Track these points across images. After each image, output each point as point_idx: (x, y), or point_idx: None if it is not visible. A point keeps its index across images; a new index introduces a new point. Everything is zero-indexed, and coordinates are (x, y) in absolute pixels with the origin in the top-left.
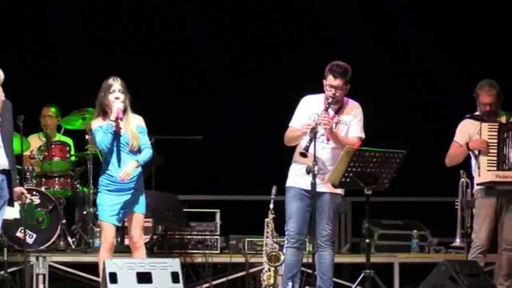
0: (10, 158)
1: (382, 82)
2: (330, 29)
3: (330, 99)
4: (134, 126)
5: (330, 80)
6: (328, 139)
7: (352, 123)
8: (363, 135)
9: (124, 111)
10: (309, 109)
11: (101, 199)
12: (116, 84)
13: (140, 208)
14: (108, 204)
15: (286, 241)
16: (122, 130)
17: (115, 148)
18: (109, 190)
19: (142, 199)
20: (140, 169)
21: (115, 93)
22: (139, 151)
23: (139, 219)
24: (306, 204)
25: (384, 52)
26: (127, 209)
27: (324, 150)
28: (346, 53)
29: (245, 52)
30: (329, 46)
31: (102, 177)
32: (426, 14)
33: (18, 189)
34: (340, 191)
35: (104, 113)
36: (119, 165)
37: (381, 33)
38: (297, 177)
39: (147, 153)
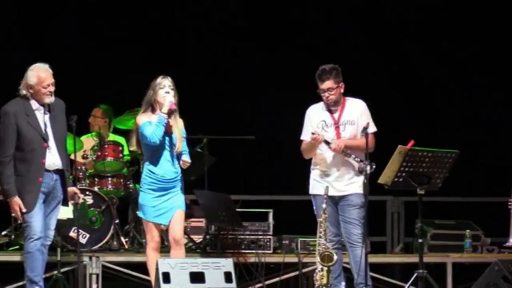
0: (63, 158)
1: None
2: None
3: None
4: (180, 129)
5: (320, 85)
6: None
7: (361, 121)
8: (375, 129)
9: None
10: (315, 118)
11: (144, 199)
12: (166, 80)
13: (182, 205)
14: (152, 205)
15: (331, 246)
16: (171, 129)
17: (164, 146)
18: (152, 190)
19: (183, 197)
20: (180, 169)
21: (165, 88)
22: (180, 155)
23: (180, 216)
24: (334, 208)
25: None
26: (171, 207)
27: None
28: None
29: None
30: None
31: (145, 175)
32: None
33: (71, 189)
34: (360, 190)
35: (152, 109)
36: (165, 164)
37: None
38: (318, 185)
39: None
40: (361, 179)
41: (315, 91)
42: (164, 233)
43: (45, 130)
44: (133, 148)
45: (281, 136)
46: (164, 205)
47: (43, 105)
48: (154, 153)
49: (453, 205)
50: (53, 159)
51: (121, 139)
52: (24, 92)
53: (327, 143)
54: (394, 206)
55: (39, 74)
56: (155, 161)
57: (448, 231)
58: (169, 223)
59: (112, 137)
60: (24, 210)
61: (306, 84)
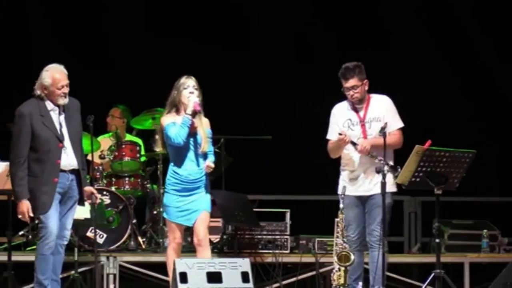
0: (79, 157)
1: (452, 82)
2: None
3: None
4: (205, 129)
5: (344, 83)
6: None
7: (388, 118)
8: (402, 124)
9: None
10: (340, 118)
11: (168, 200)
12: (190, 80)
13: (206, 206)
14: (175, 205)
15: (348, 246)
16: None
17: (188, 147)
18: (176, 190)
19: (208, 198)
20: (204, 170)
21: (189, 88)
22: (205, 154)
23: (205, 217)
24: (362, 210)
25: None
26: (196, 209)
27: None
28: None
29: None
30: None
31: (169, 175)
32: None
33: (88, 189)
34: (391, 188)
35: (177, 109)
36: (189, 165)
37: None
38: (347, 186)
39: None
40: (390, 179)
41: (334, 90)
42: (186, 233)
43: (61, 130)
44: (159, 149)
45: (299, 136)
46: (188, 207)
47: (58, 105)
48: (178, 153)
49: (470, 205)
50: (68, 159)
51: (138, 139)
52: (38, 92)
53: (354, 144)
54: (412, 206)
55: (54, 75)
56: (179, 162)
57: (465, 231)
58: (193, 225)
59: (129, 137)
60: (31, 214)
61: (326, 84)
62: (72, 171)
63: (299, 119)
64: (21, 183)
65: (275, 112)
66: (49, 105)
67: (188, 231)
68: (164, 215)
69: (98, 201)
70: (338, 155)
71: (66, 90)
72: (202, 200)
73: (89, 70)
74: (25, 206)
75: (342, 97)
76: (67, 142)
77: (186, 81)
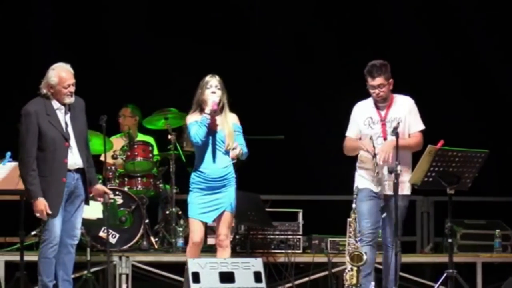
0: (84, 156)
1: (462, 82)
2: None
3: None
4: (231, 125)
5: (370, 81)
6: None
7: (410, 119)
8: (423, 127)
9: (222, 108)
10: (362, 116)
11: (191, 197)
12: (213, 80)
13: (230, 207)
14: (198, 202)
15: (360, 240)
16: (219, 127)
17: (210, 145)
18: (200, 189)
19: (233, 198)
20: (231, 168)
21: (212, 88)
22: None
23: (227, 217)
24: (377, 204)
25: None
26: (217, 207)
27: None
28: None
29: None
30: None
31: (193, 174)
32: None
33: (100, 188)
34: (407, 191)
35: (201, 109)
36: (212, 163)
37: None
38: (366, 181)
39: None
40: (406, 182)
41: (348, 90)
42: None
43: (66, 129)
44: (188, 148)
45: (311, 136)
46: (210, 204)
47: (63, 104)
48: (200, 152)
49: (483, 205)
50: (74, 158)
51: (150, 139)
52: (44, 91)
53: (374, 156)
54: (424, 206)
55: (60, 74)
56: (202, 160)
57: (478, 230)
58: (214, 223)
59: (141, 137)
60: (49, 211)
61: (338, 83)
62: (78, 170)
63: (312, 119)
64: (34, 182)
65: (288, 112)
66: (55, 104)
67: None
68: (188, 214)
69: (111, 200)
70: (353, 154)
71: (72, 89)
72: (226, 199)
73: (89, 70)
74: (42, 204)
75: (349, 96)
76: (72, 141)
77: (209, 80)
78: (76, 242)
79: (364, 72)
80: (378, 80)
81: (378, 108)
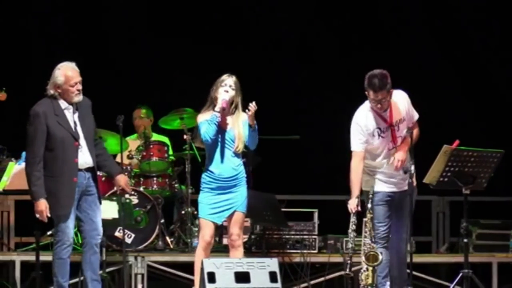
0: (93, 155)
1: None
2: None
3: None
4: (242, 126)
5: (372, 95)
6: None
7: (408, 114)
8: (418, 115)
9: (235, 108)
10: (369, 128)
11: (202, 197)
12: (229, 79)
13: (241, 207)
14: (208, 202)
15: (376, 243)
16: (229, 126)
17: (219, 145)
18: (210, 188)
19: (244, 197)
20: (242, 168)
21: (226, 87)
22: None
23: (239, 217)
24: (392, 205)
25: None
26: (228, 207)
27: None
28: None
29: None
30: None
31: (204, 174)
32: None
33: (121, 180)
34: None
35: (213, 106)
36: (222, 162)
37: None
38: (380, 182)
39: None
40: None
41: (359, 88)
42: (216, 232)
43: (75, 129)
44: (198, 144)
45: (327, 136)
46: (221, 204)
47: (71, 104)
48: (211, 151)
49: (498, 205)
50: (84, 157)
51: (165, 139)
52: (52, 92)
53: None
54: (439, 206)
55: (66, 72)
56: (212, 160)
57: (493, 230)
58: (224, 223)
59: (156, 137)
60: (49, 214)
61: (351, 83)
62: (88, 169)
63: (327, 119)
64: (37, 183)
65: (303, 112)
66: (63, 104)
67: (217, 231)
68: (199, 214)
69: (126, 195)
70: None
71: (80, 87)
72: (237, 199)
73: (89, 70)
74: (43, 205)
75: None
76: (82, 140)
77: (225, 78)
78: (100, 240)
79: (365, 85)
80: (381, 95)
81: (380, 115)
